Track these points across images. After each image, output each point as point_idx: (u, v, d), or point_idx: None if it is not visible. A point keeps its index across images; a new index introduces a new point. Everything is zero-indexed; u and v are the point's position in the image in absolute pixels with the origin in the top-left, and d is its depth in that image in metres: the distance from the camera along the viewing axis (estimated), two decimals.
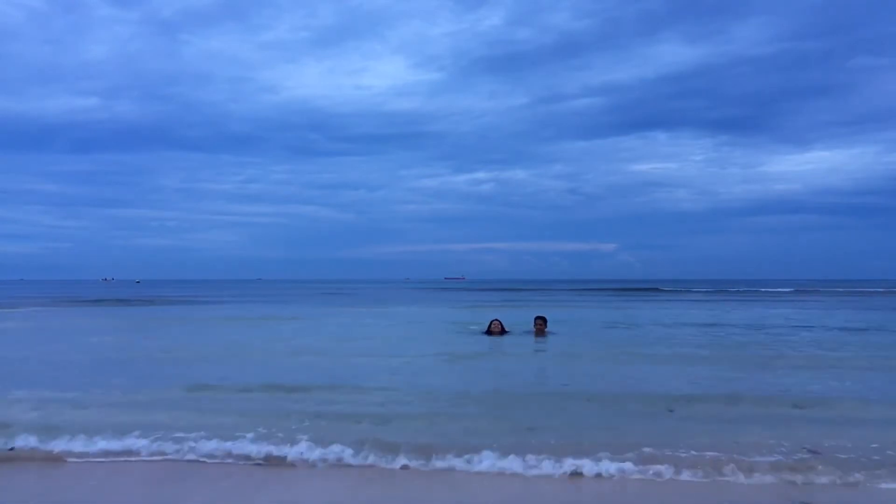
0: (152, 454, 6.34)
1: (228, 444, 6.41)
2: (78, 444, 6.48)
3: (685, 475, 5.66)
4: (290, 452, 6.24)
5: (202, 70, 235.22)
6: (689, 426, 7.15)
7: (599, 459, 5.87)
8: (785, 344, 15.26)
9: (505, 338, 16.50)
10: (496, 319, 17.31)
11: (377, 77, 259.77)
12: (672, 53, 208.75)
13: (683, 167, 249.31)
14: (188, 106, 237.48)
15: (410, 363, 12.42)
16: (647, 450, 6.05)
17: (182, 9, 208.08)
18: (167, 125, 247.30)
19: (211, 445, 6.40)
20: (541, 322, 17.36)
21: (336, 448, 6.24)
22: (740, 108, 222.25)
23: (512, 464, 5.89)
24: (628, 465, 5.78)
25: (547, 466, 5.84)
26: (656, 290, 64.97)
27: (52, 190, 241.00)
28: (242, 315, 28.36)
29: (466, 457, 6.02)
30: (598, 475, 5.68)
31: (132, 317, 27.70)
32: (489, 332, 17.06)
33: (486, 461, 5.94)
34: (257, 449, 6.33)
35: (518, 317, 21.02)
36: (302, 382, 9.84)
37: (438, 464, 5.96)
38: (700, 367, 11.87)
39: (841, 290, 63.98)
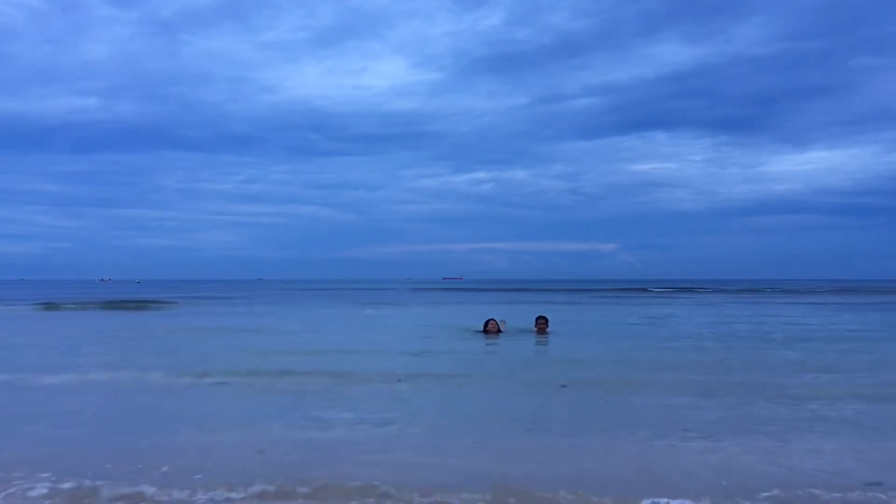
0: None
1: None
2: None
3: None
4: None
5: (202, 70, 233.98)
6: None
7: None
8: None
9: (500, 338, 16.04)
10: (492, 319, 16.98)
11: (377, 77, 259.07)
12: (672, 53, 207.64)
13: (683, 167, 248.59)
14: (188, 106, 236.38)
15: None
16: None
17: (181, 9, 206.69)
18: (167, 125, 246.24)
19: None
20: (542, 322, 17.23)
21: None
22: (740, 108, 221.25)
23: None
24: None
25: None
26: (657, 290, 64.38)
27: (52, 190, 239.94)
28: (227, 322, 27.70)
29: None
30: None
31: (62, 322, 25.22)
32: (485, 331, 16.68)
33: None
34: None
35: (517, 316, 20.56)
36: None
37: None
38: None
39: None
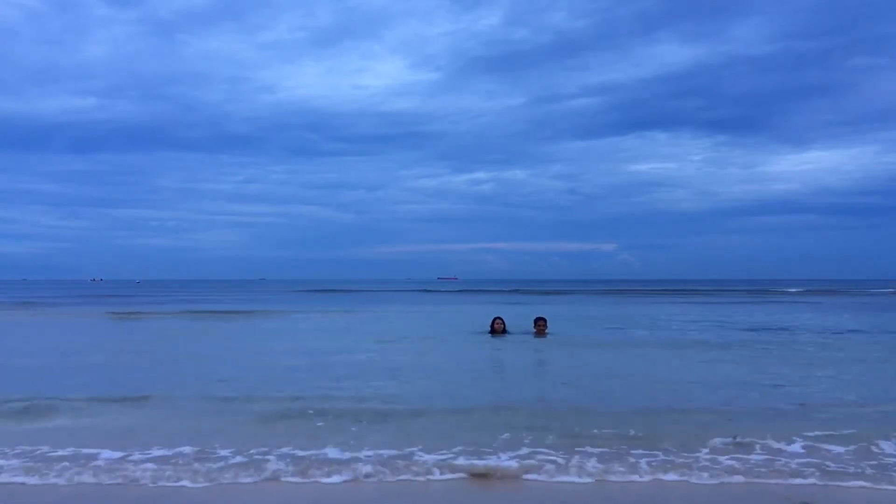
0: None
1: None
2: None
3: None
4: None
5: (200, 70, 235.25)
6: None
7: None
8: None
9: (507, 339, 16.36)
10: (499, 318, 17.23)
11: (375, 77, 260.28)
12: (670, 53, 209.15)
13: (682, 167, 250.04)
14: (187, 106, 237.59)
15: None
16: None
17: (180, 9, 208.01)
18: (166, 125, 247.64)
19: None
20: (542, 323, 17.22)
21: None
22: (739, 108, 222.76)
23: None
24: None
25: None
26: (660, 291, 64.75)
27: (51, 190, 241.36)
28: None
29: None
30: None
31: None
32: (492, 330, 16.92)
33: None
34: None
35: (517, 317, 20.95)
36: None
37: None
38: None
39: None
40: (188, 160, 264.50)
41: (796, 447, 6.32)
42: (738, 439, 6.48)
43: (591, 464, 5.84)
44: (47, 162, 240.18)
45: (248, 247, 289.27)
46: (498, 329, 16.86)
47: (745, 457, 6.04)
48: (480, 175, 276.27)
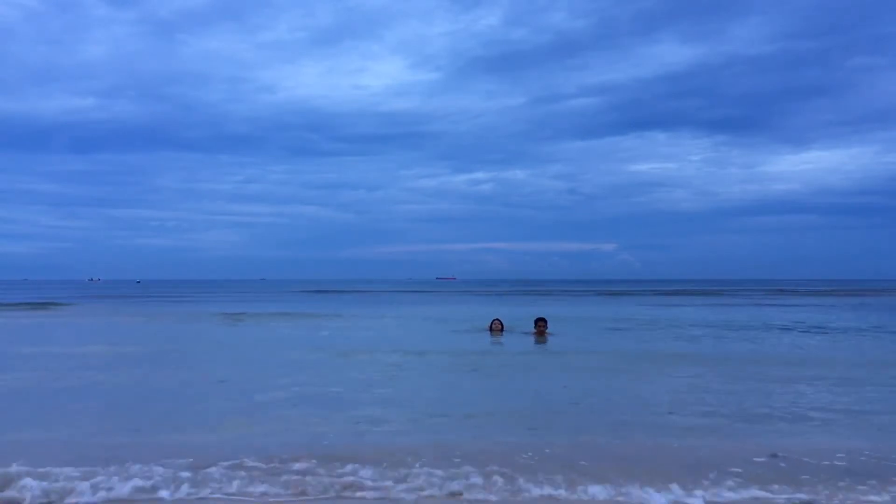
0: None
1: None
2: None
3: None
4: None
5: (200, 70, 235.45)
6: None
7: None
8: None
9: (507, 340, 16.31)
10: (497, 319, 17.38)
11: (375, 77, 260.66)
12: (669, 53, 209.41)
13: (682, 167, 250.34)
14: (186, 106, 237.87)
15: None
16: None
17: (179, 9, 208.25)
18: (165, 125, 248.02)
19: None
20: (542, 324, 17.14)
21: None
22: (738, 108, 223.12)
23: None
24: None
25: None
26: (661, 291, 64.66)
27: (51, 190, 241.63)
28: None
29: None
30: None
31: None
32: (491, 330, 17.30)
33: None
34: None
35: (518, 318, 20.82)
36: None
37: None
38: None
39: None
40: (188, 160, 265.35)
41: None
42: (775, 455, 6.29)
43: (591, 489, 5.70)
44: (47, 162, 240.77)
45: (248, 247, 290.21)
46: (497, 329, 17.10)
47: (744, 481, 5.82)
48: (480, 175, 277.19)
